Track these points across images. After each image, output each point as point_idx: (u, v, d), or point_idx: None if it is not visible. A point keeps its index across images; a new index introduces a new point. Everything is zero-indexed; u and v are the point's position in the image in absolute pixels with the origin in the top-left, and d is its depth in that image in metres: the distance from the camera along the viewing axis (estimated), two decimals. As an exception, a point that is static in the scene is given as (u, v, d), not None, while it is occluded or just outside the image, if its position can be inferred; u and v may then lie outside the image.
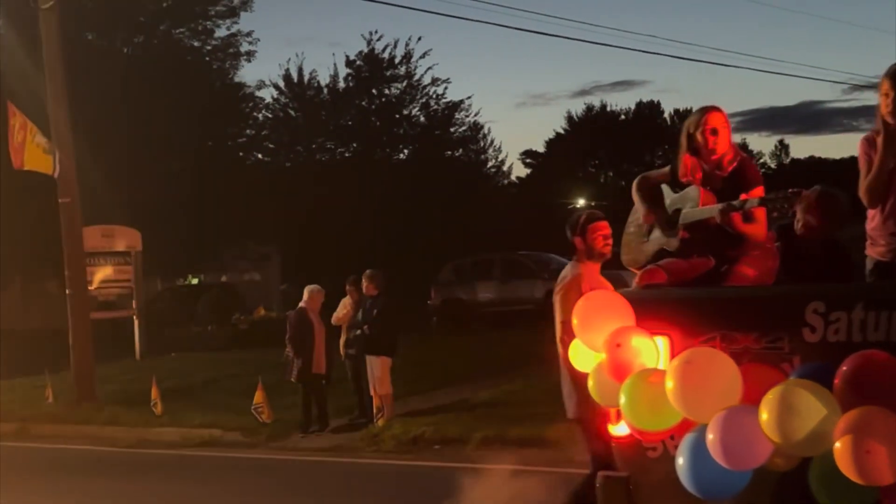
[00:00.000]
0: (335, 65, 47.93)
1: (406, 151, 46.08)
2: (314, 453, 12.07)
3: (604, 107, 66.63)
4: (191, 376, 18.75)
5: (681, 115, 66.56)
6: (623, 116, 66.24)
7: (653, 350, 4.50)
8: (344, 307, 13.60)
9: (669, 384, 4.20)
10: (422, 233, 38.05)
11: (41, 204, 22.58)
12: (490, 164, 49.55)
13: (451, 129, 46.21)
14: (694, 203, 5.19)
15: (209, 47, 35.80)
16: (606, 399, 4.65)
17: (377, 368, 12.63)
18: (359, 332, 12.93)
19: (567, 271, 6.53)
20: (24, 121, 16.69)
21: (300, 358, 12.97)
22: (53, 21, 16.16)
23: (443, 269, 26.97)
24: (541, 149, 67.40)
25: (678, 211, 5.31)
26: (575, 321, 4.72)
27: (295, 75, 44.18)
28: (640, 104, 66.64)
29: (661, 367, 4.46)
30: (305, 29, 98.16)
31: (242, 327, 26.81)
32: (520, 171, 65.90)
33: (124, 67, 31.60)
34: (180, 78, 32.30)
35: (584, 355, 4.83)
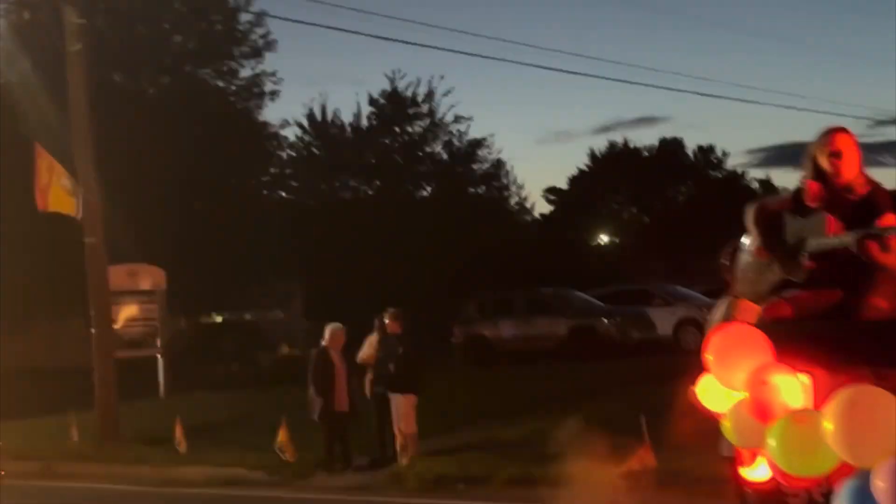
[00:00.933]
0: (358, 103, 48.35)
1: (429, 189, 46.26)
2: (338, 492, 12.03)
3: (626, 143, 66.63)
4: (215, 414, 18.74)
5: (704, 152, 66.54)
6: (646, 153, 66.15)
7: (797, 389, 4.21)
8: (370, 345, 13.59)
9: (829, 426, 3.92)
10: (445, 270, 38.06)
11: (66, 243, 22.76)
12: (513, 200, 49.70)
13: (474, 167, 46.40)
14: (820, 231, 4.87)
15: (234, 87, 36.16)
16: (745, 440, 4.40)
17: (402, 406, 12.59)
18: (382, 369, 12.91)
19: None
20: (51, 163, 16.83)
21: (322, 396, 12.95)
22: (80, 63, 16.35)
23: (466, 305, 26.93)
24: (563, 185, 67.42)
25: (803, 240, 4.99)
26: (710, 357, 4.47)
27: (318, 114, 44.57)
28: (663, 140, 66.56)
29: (805, 406, 4.20)
30: (328, 68, 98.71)
31: (266, 365, 26.82)
32: (542, 207, 65.91)
33: (149, 108, 31.93)
34: (205, 118, 32.61)
35: (716, 393, 4.54)
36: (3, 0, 17.11)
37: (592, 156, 66.87)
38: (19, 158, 26.00)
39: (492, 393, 18.75)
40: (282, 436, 13.39)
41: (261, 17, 34.40)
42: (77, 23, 15.97)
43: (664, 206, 65.01)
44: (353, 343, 13.73)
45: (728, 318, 5.45)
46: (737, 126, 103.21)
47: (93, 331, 16.64)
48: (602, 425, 13.39)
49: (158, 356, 22.88)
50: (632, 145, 66.51)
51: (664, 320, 25.04)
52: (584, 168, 66.73)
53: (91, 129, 16.56)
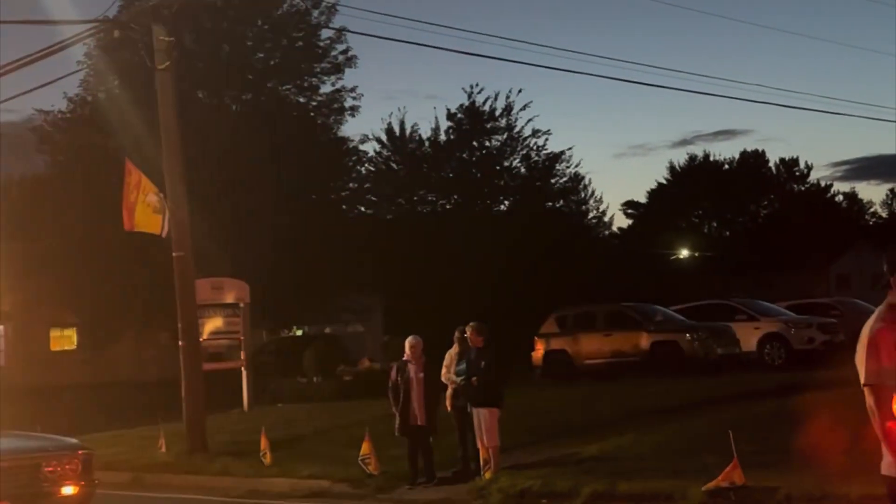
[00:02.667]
0: (436, 118, 48.56)
1: (507, 203, 46.23)
2: (421, 505, 12.05)
3: (706, 156, 65.92)
4: (298, 427, 18.92)
5: (787, 164, 65.50)
6: (727, 166, 65.36)
7: None
8: (450, 359, 13.59)
9: None
10: (523, 284, 37.98)
11: (152, 258, 23.24)
12: (591, 214, 49.42)
13: (552, 181, 46.25)
14: None
15: (314, 103, 36.55)
16: None
17: (485, 420, 12.56)
18: (463, 382, 12.89)
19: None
20: (139, 179, 17.07)
21: (398, 410, 12.99)
22: (168, 81, 16.66)
23: (546, 320, 26.81)
24: (642, 199, 66.95)
25: None
26: None
27: (397, 129, 44.86)
28: (744, 153, 65.73)
29: None
30: (406, 83, 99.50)
31: (347, 378, 27.02)
32: (621, 221, 65.50)
33: (233, 124, 32.46)
34: (286, 133, 33.05)
35: None
36: (96, 19, 17.34)
37: (672, 169, 66.40)
38: (109, 174, 26.68)
39: (574, 408, 18.64)
40: (365, 448, 13.46)
41: (341, 33, 34.75)
42: (166, 41, 16.27)
43: (746, 219, 64.11)
44: (433, 357, 13.74)
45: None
46: (821, 138, 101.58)
47: (180, 343, 16.88)
48: (687, 441, 13.26)
49: (242, 369, 23.14)
50: (712, 158, 65.82)
51: (748, 335, 24.64)
52: (664, 181, 66.22)
53: (180, 145, 16.82)
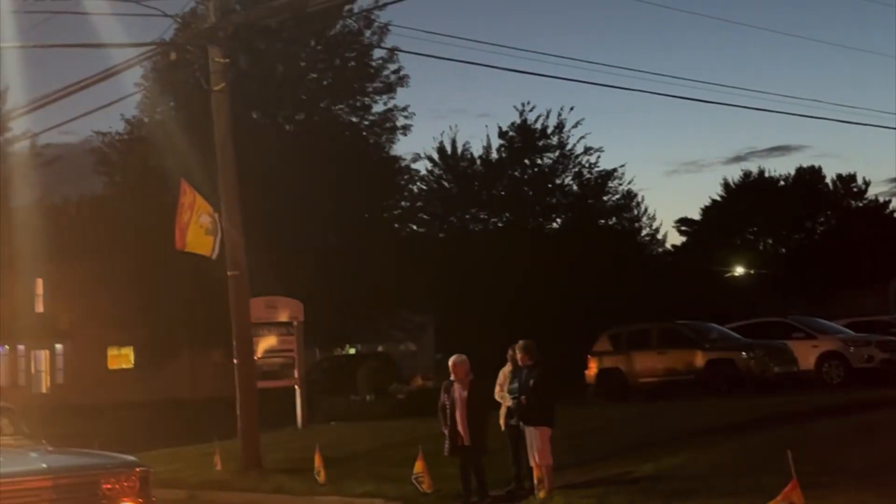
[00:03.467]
0: (488, 136, 48.77)
1: (559, 221, 46.11)
2: (475, 524, 11.98)
3: (761, 172, 65.20)
4: (351, 445, 18.96)
5: (844, 180, 64.56)
6: (782, 182, 64.59)
7: None
8: (503, 377, 13.54)
9: None
10: (576, 302, 37.81)
11: (207, 277, 23.45)
12: (644, 232, 49.13)
13: (605, 198, 46.06)
14: None
15: (367, 122, 36.84)
16: None
17: (537, 439, 12.50)
18: (515, 401, 12.84)
19: None
20: (193, 199, 17.14)
21: (446, 429, 12.93)
22: (224, 102, 16.85)
23: (599, 338, 26.66)
24: (696, 216, 66.40)
25: None
26: None
27: (449, 147, 44.99)
28: (800, 169, 64.94)
29: None
30: (457, 101, 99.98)
31: (400, 397, 27.05)
32: (674, 239, 64.99)
33: (286, 144, 32.76)
34: (339, 153, 33.29)
35: None
36: (153, 42, 17.60)
37: (726, 185, 65.75)
38: (164, 195, 27.05)
39: (627, 427, 18.49)
40: (419, 467, 13.45)
41: (393, 52, 35.00)
42: (221, 62, 16.48)
43: (802, 236, 63.29)
44: (486, 375, 13.69)
45: None
46: (879, 154, 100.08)
47: (235, 361, 17.01)
48: (744, 461, 13.08)
49: (296, 387, 23.26)
50: (767, 174, 65.11)
51: (806, 354, 24.30)
52: (717, 198, 65.63)
53: (235, 165, 16.98)
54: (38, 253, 35.15)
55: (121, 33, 18.58)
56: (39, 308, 48.64)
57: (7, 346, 49.72)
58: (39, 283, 48.15)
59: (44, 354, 49.23)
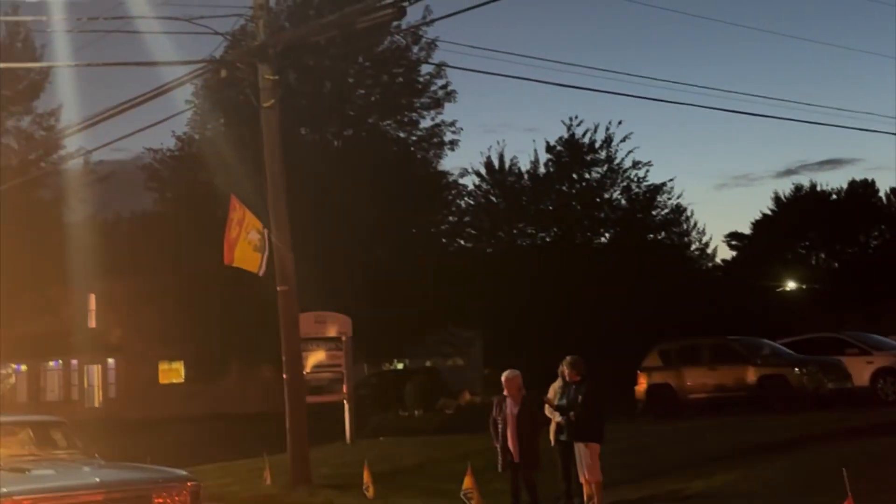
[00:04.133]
0: (535, 150, 48.58)
1: (607, 235, 45.86)
2: (525, 541, 11.91)
3: (813, 186, 64.47)
4: (400, 460, 18.95)
5: (898, 193, 63.60)
6: (834, 196, 63.82)
7: None
8: (553, 392, 13.47)
9: None
10: (625, 317, 37.56)
11: (257, 292, 23.62)
12: (693, 246, 48.72)
13: (653, 212, 45.75)
14: None
15: (414, 138, 36.98)
16: None
17: (586, 455, 12.42)
18: (564, 417, 12.77)
19: None
20: (243, 215, 17.24)
21: (497, 445, 12.85)
22: (273, 119, 16.97)
23: (649, 354, 26.43)
24: (746, 230, 65.79)
25: None
26: None
27: (496, 162, 44.95)
28: (853, 183, 64.10)
29: None
30: (504, 116, 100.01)
31: (448, 412, 27.02)
32: (725, 253, 64.42)
33: (333, 159, 32.96)
34: (386, 168, 33.42)
35: None
36: (203, 60, 17.80)
37: (777, 199, 65.12)
38: (214, 211, 27.30)
39: (678, 443, 18.31)
40: (467, 483, 13.38)
41: (440, 68, 35.12)
42: (271, 79, 16.61)
43: (856, 250, 62.42)
44: (535, 388, 13.61)
45: None
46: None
47: (284, 376, 17.08)
48: (798, 479, 12.89)
49: (345, 402, 23.32)
50: (819, 188, 64.40)
51: (860, 370, 23.91)
52: (768, 212, 65.02)
53: (284, 181, 17.07)
54: (90, 269, 35.66)
55: (172, 51, 18.86)
56: (92, 323, 49.30)
57: (61, 361, 50.45)
58: (92, 298, 48.81)
59: (96, 369, 49.86)
